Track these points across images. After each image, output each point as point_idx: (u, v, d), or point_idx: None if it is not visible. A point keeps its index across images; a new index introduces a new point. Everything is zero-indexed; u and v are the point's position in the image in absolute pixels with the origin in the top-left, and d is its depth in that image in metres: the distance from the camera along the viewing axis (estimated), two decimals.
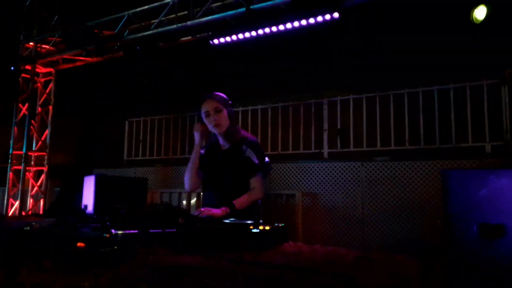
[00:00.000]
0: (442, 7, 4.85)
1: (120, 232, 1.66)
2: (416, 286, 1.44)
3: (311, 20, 3.57)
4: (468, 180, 2.20)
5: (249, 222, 1.87)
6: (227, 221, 2.01)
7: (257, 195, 2.46)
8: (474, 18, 3.74)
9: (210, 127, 2.57)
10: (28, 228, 1.84)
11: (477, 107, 4.74)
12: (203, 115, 2.57)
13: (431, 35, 5.33)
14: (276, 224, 1.93)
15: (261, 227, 1.80)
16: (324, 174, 5.15)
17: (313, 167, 5.24)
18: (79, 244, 1.47)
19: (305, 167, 5.29)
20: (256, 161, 2.46)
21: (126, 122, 7.52)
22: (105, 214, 2.15)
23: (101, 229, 1.70)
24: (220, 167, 2.56)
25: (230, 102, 2.61)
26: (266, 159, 2.56)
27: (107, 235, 1.57)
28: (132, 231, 1.73)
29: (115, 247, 1.44)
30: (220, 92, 2.64)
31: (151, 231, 1.75)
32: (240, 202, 2.38)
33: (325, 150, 5.58)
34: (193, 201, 5.52)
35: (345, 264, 1.39)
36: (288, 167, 5.35)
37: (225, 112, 2.54)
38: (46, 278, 1.18)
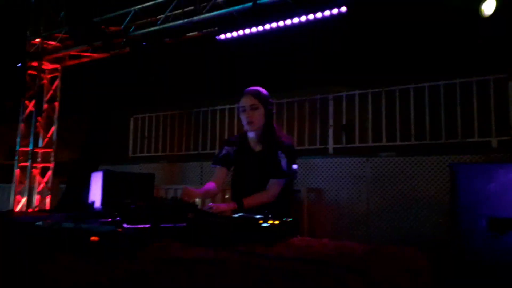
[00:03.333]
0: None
1: (132, 226, 1.68)
2: (427, 279, 1.45)
3: (318, 15, 3.56)
4: (477, 174, 2.21)
5: (258, 216, 1.88)
6: (236, 215, 2.02)
7: (268, 198, 2.40)
8: (481, 12, 3.66)
9: (244, 123, 2.50)
10: (40, 223, 1.86)
11: (484, 102, 4.72)
12: (240, 110, 2.50)
13: (438, 30, 5.30)
14: (285, 219, 1.93)
15: (270, 221, 1.80)
16: (329, 169, 5.16)
17: (318, 162, 5.24)
18: (92, 238, 1.49)
19: (310, 163, 5.30)
20: (284, 167, 2.41)
21: (131, 118, 7.55)
22: (114, 210, 2.17)
23: (113, 224, 1.72)
24: (251, 169, 2.50)
25: (271, 100, 2.50)
26: (295, 166, 2.47)
27: (120, 230, 1.58)
28: (144, 226, 1.75)
29: (128, 241, 1.45)
30: (257, 87, 2.53)
31: (162, 225, 1.76)
32: (249, 200, 2.34)
33: (330, 146, 5.58)
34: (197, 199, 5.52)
35: (356, 257, 1.40)
36: None
37: (261, 110, 2.43)
38: (63, 272, 1.19)
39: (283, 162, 2.41)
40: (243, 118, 2.49)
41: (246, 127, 2.51)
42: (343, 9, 3.39)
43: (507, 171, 1.85)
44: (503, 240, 1.75)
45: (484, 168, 1.91)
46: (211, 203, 2.32)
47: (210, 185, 2.50)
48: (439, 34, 5.44)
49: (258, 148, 2.52)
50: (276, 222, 1.83)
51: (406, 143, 5.09)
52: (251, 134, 2.53)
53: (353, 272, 1.17)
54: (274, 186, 2.41)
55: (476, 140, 4.69)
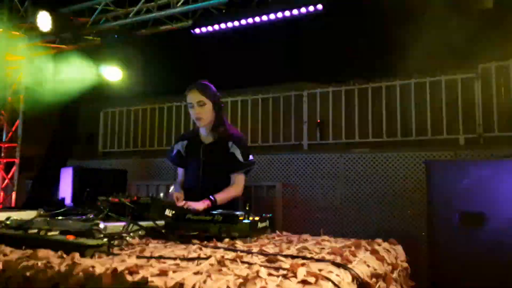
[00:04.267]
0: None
1: (109, 224, 1.63)
2: (406, 273, 1.49)
3: (295, 11, 3.57)
4: (450, 170, 2.29)
5: (238, 212, 1.88)
6: (215, 212, 2.00)
7: (237, 192, 2.46)
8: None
9: (193, 118, 2.54)
10: (8, 221, 1.77)
11: (452, 101, 4.89)
12: (188, 106, 2.53)
13: (411, 27, 5.43)
14: (263, 215, 1.94)
15: (250, 218, 1.81)
16: (304, 165, 5.21)
17: (293, 158, 5.28)
18: (68, 236, 1.44)
19: (285, 159, 5.33)
20: (240, 158, 2.45)
21: (101, 113, 7.33)
22: (88, 206, 2.10)
23: (88, 221, 1.66)
24: (201, 161, 2.53)
25: (218, 94, 2.55)
26: (251, 157, 2.53)
27: (96, 227, 1.53)
28: (121, 223, 1.70)
29: (105, 239, 1.41)
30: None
31: (139, 223, 1.72)
32: (221, 196, 2.37)
33: (305, 142, 5.63)
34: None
35: (335, 250, 1.42)
36: (268, 159, 5.38)
37: (209, 105, 2.48)
38: (37, 271, 1.14)
39: (238, 154, 2.45)
40: (192, 114, 2.51)
41: (195, 122, 2.54)
42: (320, 6, 3.42)
43: (479, 167, 1.92)
44: (474, 233, 1.82)
45: (458, 164, 1.97)
46: (184, 201, 2.31)
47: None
48: (411, 33, 5.57)
49: (208, 140, 2.56)
50: (256, 218, 1.83)
51: (378, 139, 5.21)
52: (202, 128, 2.57)
53: (338, 265, 1.18)
54: (237, 179, 2.46)
55: (444, 138, 4.86)
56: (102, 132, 7.26)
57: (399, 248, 1.74)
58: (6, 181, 6.53)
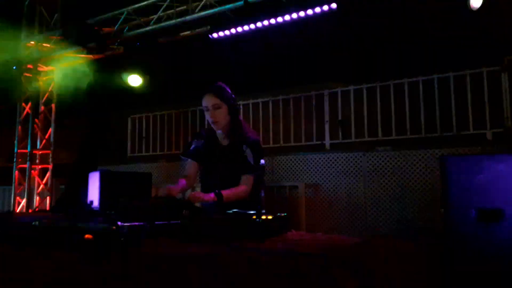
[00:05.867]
0: None
1: (126, 224, 1.71)
2: (414, 269, 1.48)
3: (309, 11, 3.59)
4: (466, 165, 2.24)
5: (251, 212, 1.91)
6: (230, 211, 2.05)
7: (243, 194, 2.44)
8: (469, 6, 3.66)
9: (209, 122, 2.56)
10: (37, 223, 1.89)
11: (478, 95, 4.75)
12: (204, 109, 2.56)
13: (430, 23, 5.31)
14: (278, 214, 1.96)
15: (263, 217, 1.83)
16: (326, 165, 5.19)
17: (315, 158, 5.27)
18: (87, 236, 1.52)
19: (307, 159, 5.33)
20: (251, 161, 2.44)
21: (129, 118, 7.58)
22: (110, 208, 2.20)
23: (107, 222, 1.75)
24: (217, 163, 2.55)
25: (233, 96, 2.52)
26: (262, 161, 2.48)
27: (114, 227, 1.61)
28: (138, 223, 1.78)
29: (122, 238, 1.48)
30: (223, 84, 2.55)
31: (156, 223, 1.79)
32: (227, 193, 2.37)
33: (327, 141, 5.61)
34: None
35: (345, 249, 1.44)
36: (290, 159, 5.39)
37: (224, 108, 2.47)
38: (56, 268, 1.22)
39: (250, 158, 2.44)
40: (207, 118, 2.52)
41: (212, 126, 2.54)
42: (334, 5, 3.42)
43: (496, 161, 1.88)
44: (491, 230, 1.79)
45: (473, 159, 1.94)
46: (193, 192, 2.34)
47: (182, 182, 2.52)
48: (432, 28, 5.45)
49: (225, 142, 2.56)
50: (270, 217, 1.86)
51: (402, 137, 5.12)
52: (218, 130, 2.57)
53: (340, 262, 1.21)
54: (247, 181, 2.45)
55: (471, 133, 4.72)
56: (130, 137, 7.51)
57: (412, 245, 1.73)
58: (41, 186, 6.85)
